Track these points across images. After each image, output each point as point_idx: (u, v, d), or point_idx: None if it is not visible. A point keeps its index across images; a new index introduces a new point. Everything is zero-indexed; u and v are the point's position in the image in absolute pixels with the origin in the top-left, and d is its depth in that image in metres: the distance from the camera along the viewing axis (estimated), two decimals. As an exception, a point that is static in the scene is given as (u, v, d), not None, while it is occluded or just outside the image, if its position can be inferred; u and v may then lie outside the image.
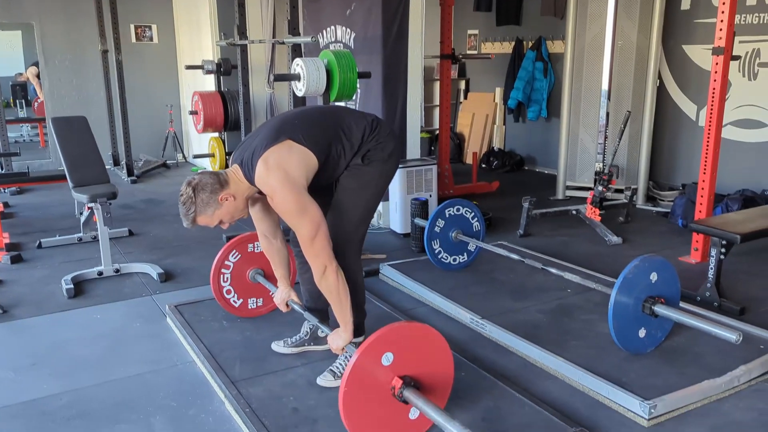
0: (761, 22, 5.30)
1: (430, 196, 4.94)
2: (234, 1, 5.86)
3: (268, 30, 6.63)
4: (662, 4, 5.69)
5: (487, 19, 7.97)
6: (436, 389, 2.25)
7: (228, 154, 7.15)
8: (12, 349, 3.15)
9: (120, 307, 3.68)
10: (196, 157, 7.67)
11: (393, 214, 5.04)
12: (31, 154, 8.29)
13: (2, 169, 6.63)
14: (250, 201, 2.54)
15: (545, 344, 2.97)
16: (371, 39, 4.85)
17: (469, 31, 8.45)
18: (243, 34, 5.92)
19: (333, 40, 5.34)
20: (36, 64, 8.25)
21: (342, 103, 5.19)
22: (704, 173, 4.17)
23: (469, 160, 7.90)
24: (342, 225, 2.53)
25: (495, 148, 8.11)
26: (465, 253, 4.13)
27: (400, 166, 4.31)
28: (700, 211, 4.21)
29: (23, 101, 9.77)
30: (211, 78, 7.37)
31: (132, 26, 8.06)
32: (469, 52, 8.45)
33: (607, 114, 5.29)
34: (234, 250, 3.23)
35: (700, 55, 5.83)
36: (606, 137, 5.25)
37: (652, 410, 2.42)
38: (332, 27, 5.34)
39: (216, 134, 7.36)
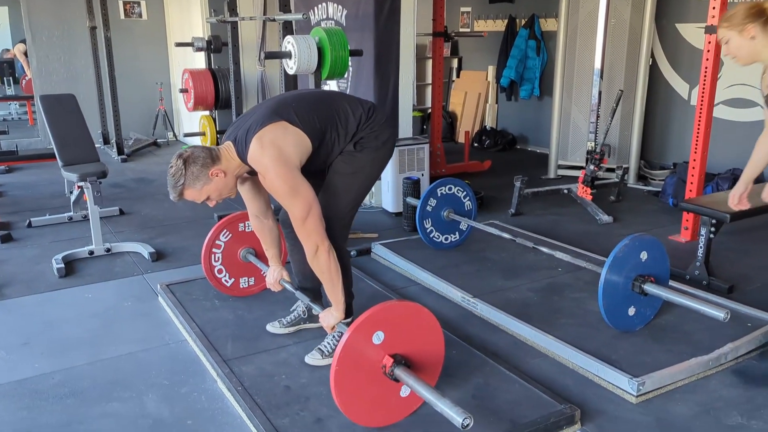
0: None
1: (422, 175, 4.94)
2: (224, -23, 5.78)
3: (258, 7, 6.55)
4: (656, -19, 5.66)
5: (480, -4, 7.92)
6: (426, 367, 2.26)
7: (219, 132, 7.11)
8: (3, 329, 3.14)
9: (111, 286, 3.68)
10: (186, 135, 7.62)
11: (385, 193, 5.04)
12: (19, 133, 8.21)
13: (-10, 148, 6.56)
14: (239, 180, 2.53)
15: (535, 322, 2.99)
16: (363, 16, 4.80)
17: (462, 9, 8.38)
18: (233, 10, 5.85)
19: (324, 17, 5.28)
20: (23, 41, 8.14)
21: (334, 81, 5.17)
22: (695, 152, 4.18)
23: (461, 139, 7.88)
24: (331, 208, 2.53)
25: (487, 126, 8.09)
26: (457, 232, 4.14)
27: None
28: (691, 190, 4.23)
29: (11, 79, 9.65)
30: (202, 55, 7.29)
31: (120, 2, 7.95)
32: (461, 29, 8.39)
33: (600, 93, 5.27)
34: (225, 230, 3.22)
35: (692, 33, 5.81)
36: (598, 116, 5.25)
37: (641, 387, 2.45)
38: (323, 4, 5.28)
39: (207, 112, 7.30)
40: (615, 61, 5.86)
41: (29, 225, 4.71)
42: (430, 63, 7.51)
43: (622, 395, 2.49)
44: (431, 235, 4.05)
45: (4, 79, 9.61)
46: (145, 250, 4.10)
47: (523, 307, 3.24)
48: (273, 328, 2.99)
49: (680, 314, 3.06)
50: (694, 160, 4.19)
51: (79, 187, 4.26)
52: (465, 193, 4.08)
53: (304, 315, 3.01)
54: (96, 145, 4.56)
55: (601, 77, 5.31)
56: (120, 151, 7.27)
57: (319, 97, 2.64)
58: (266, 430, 2.21)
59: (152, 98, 8.17)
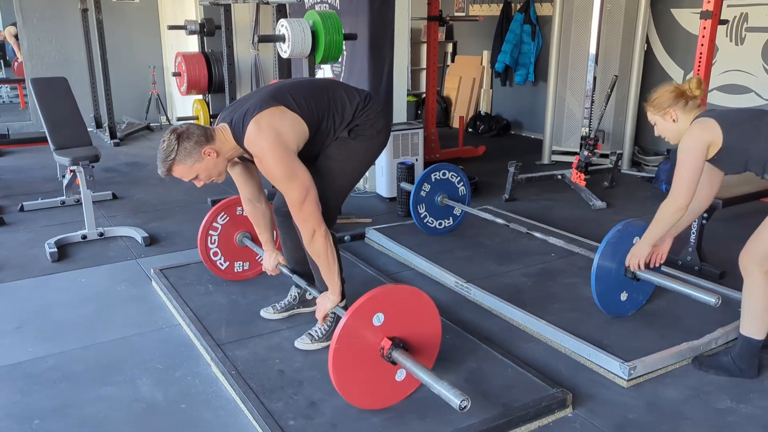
0: (750, -15, 5.27)
1: (417, 160, 4.93)
2: (217, -41, 5.72)
3: (252, -11, 6.49)
4: (652, -34, 5.64)
5: (476, -20, 7.87)
6: (423, 352, 2.28)
7: (212, 116, 7.06)
8: (-4, 313, 3.14)
9: (105, 270, 3.67)
10: (179, 119, 7.56)
11: (379, 178, 5.03)
12: (11, 116, 8.16)
13: (-18, 131, 6.52)
14: (230, 165, 2.52)
15: (528, 307, 3.01)
16: (357, 0, 4.76)
17: (457, -7, 8.34)
18: (226, -7, 5.79)
19: (318, 0, 5.24)
20: (14, 24, 8.05)
21: (328, 65, 5.14)
22: (689, 138, 4.18)
23: (455, 124, 7.86)
24: (321, 192, 2.52)
25: (482, 112, 8.07)
26: (450, 218, 4.14)
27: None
28: (684, 177, 4.23)
29: (2, 62, 9.58)
30: (195, 39, 7.23)
31: (112, -16, 7.88)
32: (456, 14, 8.35)
33: (594, 78, 5.26)
34: (223, 212, 3.21)
35: (688, 18, 5.80)
36: (592, 102, 5.24)
37: (632, 371, 2.47)
38: (318, -13, 5.24)
39: (200, 96, 7.26)
40: (610, 47, 5.84)
41: (21, 209, 4.68)
42: (424, 47, 7.46)
43: (613, 379, 2.51)
44: (425, 221, 4.05)
45: (-5, 61, 9.55)
46: (138, 234, 4.09)
47: (517, 292, 3.26)
48: (266, 313, 3.00)
49: (672, 299, 3.08)
50: (688, 146, 4.19)
51: (71, 171, 4.24)
52: (459, 178, 4.08)
53: (295, 301, 3.01)
54: (88, 129, 4.52)
55: (596, 62, 5.30)
56: (112, 135, 7.23)
57: (316, 84, 2.63)
58: (260, 414, 2.22)
59: (145, 82, 8.11)
